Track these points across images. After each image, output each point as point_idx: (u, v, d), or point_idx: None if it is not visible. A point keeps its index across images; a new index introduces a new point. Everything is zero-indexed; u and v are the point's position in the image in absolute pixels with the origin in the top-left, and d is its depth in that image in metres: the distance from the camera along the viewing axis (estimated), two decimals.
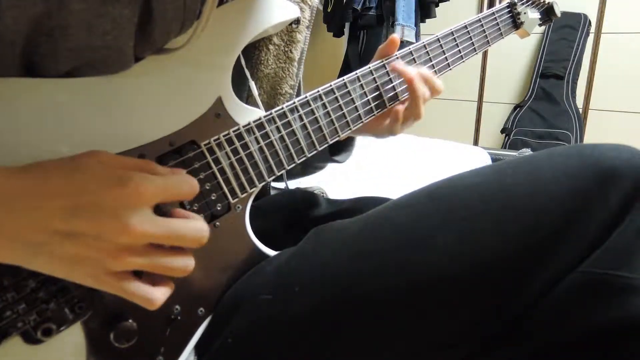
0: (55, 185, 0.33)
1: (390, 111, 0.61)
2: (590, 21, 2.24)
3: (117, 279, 0.35)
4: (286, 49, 0.59)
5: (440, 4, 2.24)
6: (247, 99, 0.59)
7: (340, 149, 0.68)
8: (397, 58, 0.60)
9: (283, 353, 0.44)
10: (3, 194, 0.32)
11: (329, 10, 2.32)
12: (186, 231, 0.37)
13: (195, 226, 0.37)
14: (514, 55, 2.44)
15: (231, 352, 0.45)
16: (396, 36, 0.60)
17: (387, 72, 0.60)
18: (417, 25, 2.16)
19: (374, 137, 0.64)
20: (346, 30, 2.48)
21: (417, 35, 2.16)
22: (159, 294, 0.37)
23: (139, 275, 0.37)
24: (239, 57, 0.55)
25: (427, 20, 2.24)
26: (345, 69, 2.52)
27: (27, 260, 0.34)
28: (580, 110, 2.28)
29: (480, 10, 2.45)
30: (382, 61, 0.59)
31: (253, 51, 0.59)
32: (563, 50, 2.28)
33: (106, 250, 0.33)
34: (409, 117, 0.61)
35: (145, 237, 0.34)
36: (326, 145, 0.54)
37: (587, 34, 2.25)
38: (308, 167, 0.71)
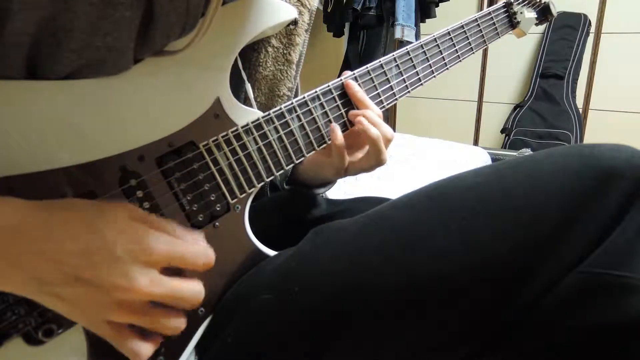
0: (77, 227, 0.34)
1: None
2: (590, 21, 2.24)
3: (112, 328, 0.36)
4: (285, 52, 0.59)
5: (440, 4, 2.24)
6: (245, 100, 0.59)
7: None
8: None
9: (283, 353, 0.44)
10: (24, 230, 0.33)
11: (329, 10, 2.32)
12: (185, 294, 0.38)
13: (195, 289, 0.38)
14: (514, 55, 2.44)
15: (231, 352, 0.45)
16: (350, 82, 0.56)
17: (384, 72, 0.60)
18: (417, 25, 2.17)
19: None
20: (346, 30, 2.48)
21: (417, 35, 2.16)
22: (146, 350, 0.38)
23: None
24: (236, 59, 0.55)
25: (427, 20, 2.24)
26: (345, 69, 2.52)
27: (30, 293, 0.34)
28: (580, 110, 2.28)
29: (480, 10, 2.44)
30: (380, 61, 0.59)
31: (252, 53, 0.59)
32: (563, 50, 2.27)
33: (107, 303, 0.34)
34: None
35: (148, 296, 0.35)
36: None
37: (587, 34, 2.25)
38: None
